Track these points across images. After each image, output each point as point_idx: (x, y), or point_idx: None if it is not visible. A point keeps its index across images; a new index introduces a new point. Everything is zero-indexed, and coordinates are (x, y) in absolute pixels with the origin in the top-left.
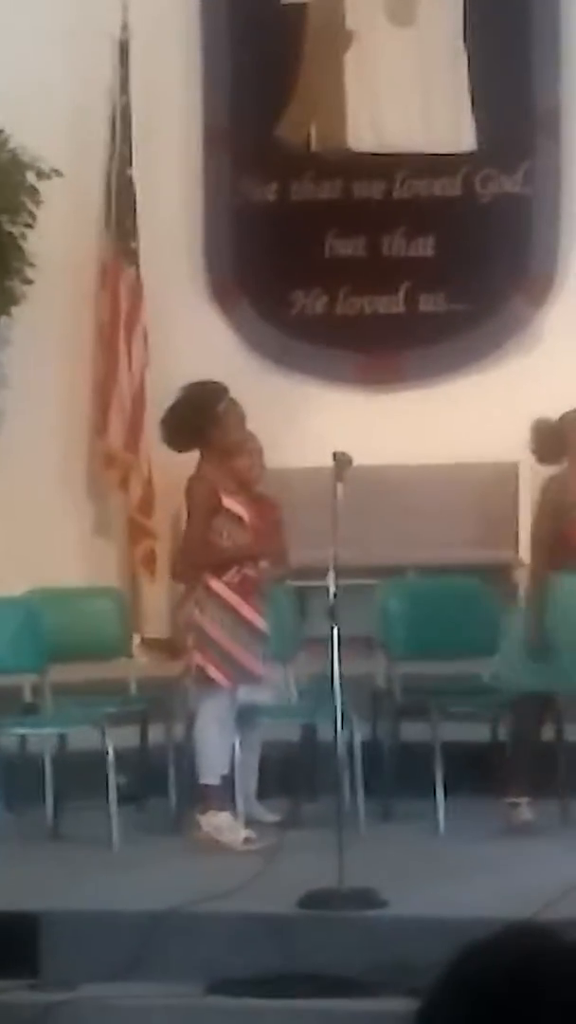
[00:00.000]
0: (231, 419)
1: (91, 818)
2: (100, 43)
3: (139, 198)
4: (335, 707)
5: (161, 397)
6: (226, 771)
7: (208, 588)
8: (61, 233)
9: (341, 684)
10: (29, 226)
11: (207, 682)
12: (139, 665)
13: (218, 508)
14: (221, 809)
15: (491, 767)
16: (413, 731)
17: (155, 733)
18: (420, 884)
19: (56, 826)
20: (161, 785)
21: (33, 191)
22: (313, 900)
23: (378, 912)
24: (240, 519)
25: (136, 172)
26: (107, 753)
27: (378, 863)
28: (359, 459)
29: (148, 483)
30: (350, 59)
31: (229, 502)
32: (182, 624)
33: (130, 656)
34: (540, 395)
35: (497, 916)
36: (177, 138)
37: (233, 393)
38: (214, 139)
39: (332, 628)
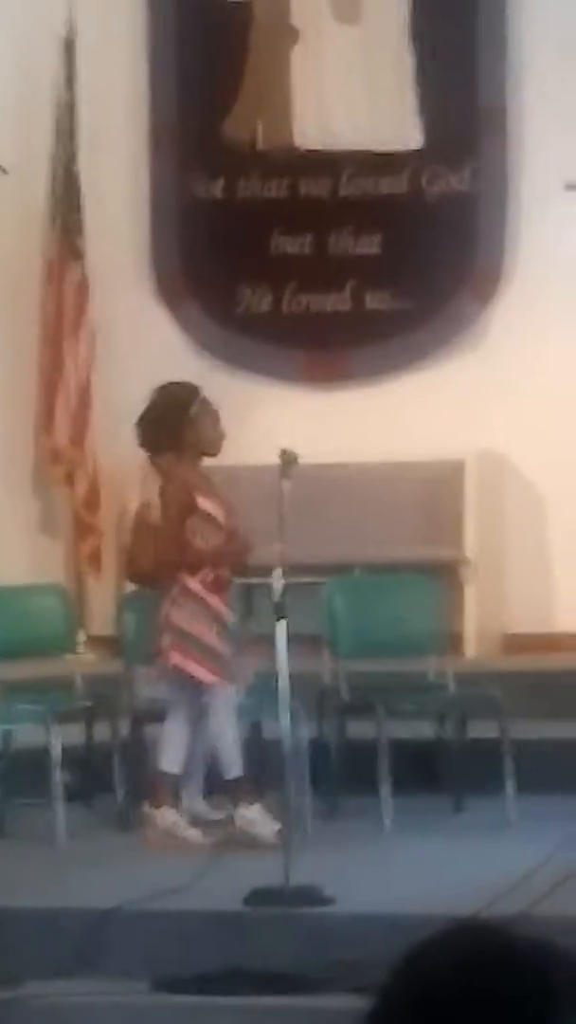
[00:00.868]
0: (205, 419)
1: (36, 815)
2: (45, 40)
3: (85, 195)
4: (282, 705)
5: (106, 394)
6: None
7: (184, 587)
8: (5, 230)
9: (288, 682)
10: None
11: (195, 682)
12: (84, 662)
13: (193, 508)
14: (252, 802)
15: (436, 764)
16: (359, 729)
17: (100, 730)
18: (366, 881)
19: (1, 823)
20: (107, 782)
21: None
22: (259, 897)
23: (324, 909)
24: (214, 519)
25: (82, 169)
26: (52, 750)
27: (324, 860)
28: (305, 457)
29: (94, 480)
30: (296, 57)
31: (204, 503)
32: (159, 625)
33: (75, 653)
34: (486, 393)
35: (443, 913)
36: (123, 135)
37: None
38: (160, 136)
39: (278, 626)
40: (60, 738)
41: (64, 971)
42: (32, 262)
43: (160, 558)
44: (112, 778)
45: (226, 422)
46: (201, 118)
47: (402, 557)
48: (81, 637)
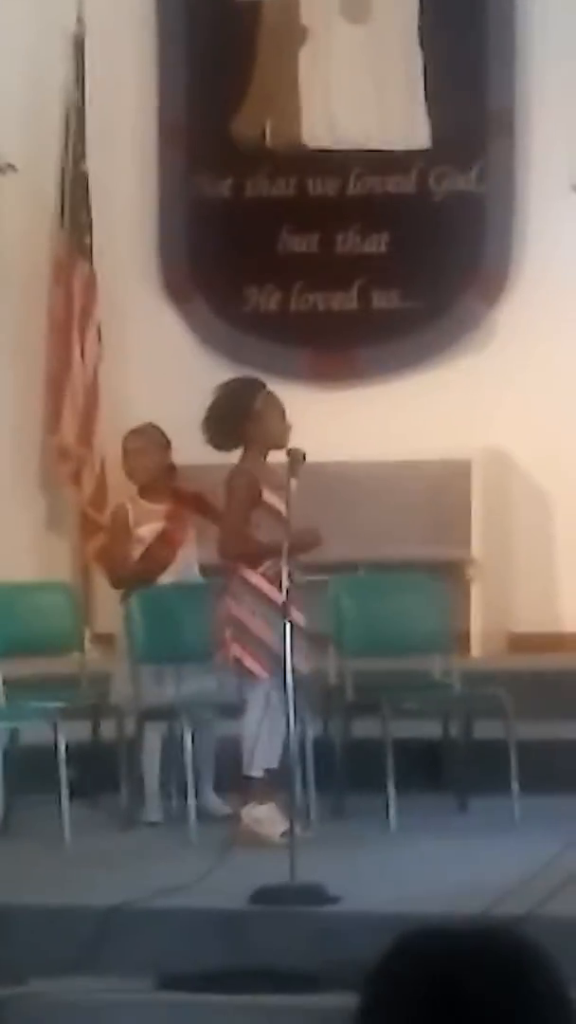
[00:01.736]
0: (271, 414)
1: (42, 813)
2: (55, 38)
3: (93, 193)
4: (288, 703)
5: (114, 392)
6: (274, 765)
7: (244, 580)
8: (15, 228)
9: (293, 680)
10: None
11: (247, 675)
12: (90, 660)
13: (258, 501)
14: (263, 802)
15: (442, 764)
16: (364, 728)
17: (106, 728)
18: (371, 880)
19: (7, 821)
20: (112, 780)
21: None
22: (264, 896)
23: (329, 908)
24: (278, 513)
25: (91, 167)
26: (58, 748)
27: (329, 859)
28: (312, 456)
29: (101, 478)
30: (305, 56)
31: (269, 496)
32: (219, 617)
33: (81, 651)
34: (493, 392)
35: (447, 912)
36: (132, 134)
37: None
38: (169, 135)
39: (284, 624)
40: (66, 736)
41: (69, 968)
42: (40, 260)
43: (224, 549)
44: (118, 776)
45: None
46: (210, 117)
47: (408, 556)
48: (87, 635)
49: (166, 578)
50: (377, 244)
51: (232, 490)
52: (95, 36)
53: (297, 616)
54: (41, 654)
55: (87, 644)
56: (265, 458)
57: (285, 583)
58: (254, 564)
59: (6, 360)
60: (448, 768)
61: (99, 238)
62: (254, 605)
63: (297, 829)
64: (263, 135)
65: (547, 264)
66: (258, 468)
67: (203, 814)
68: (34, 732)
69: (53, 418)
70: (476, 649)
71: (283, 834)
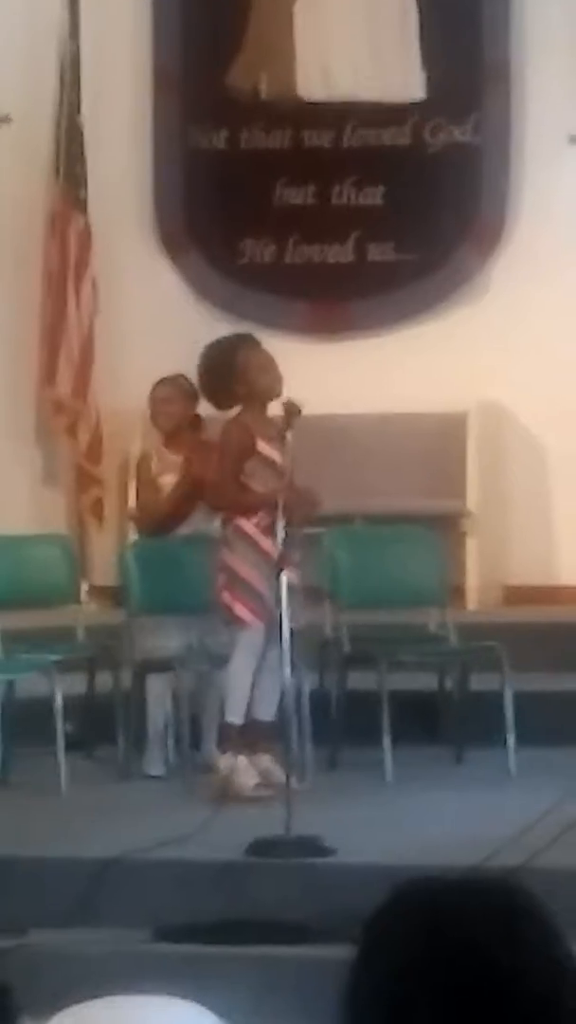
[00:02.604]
0: (252, 370)
1: (39, 765)
2: None
3: (88, 146)
4: (283, 656)
5: (109, 345)
6: (271, 717)
7: (238, 528)
8: (9, 180)
9: (289, 633)
10: None
11: (236, 622)
12: (87, 612)
13: (251, 451)
14: (239, 752)
15: (438, 716)
16: (360, 680)
17: (102, 680)
18: (367, 832)
19: (4, 773)
20: (109, 732)
21: None
22: (261, 848)
23: (325, 860)
24: (275, 464)
25: (86, 119)
26: (55, 700)
27: (326, 811)
28: (308, 408)
29: (96, 431)
30: (300, 7)
31: (264, 447)
32: (215, 566)
33: (78, 603)
34: (489, 345)
35: (444, 864)
36: (127, 85)
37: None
38: (164, 86)
39: (280, 577)
40: (62, 688)
41: (67, 920)
42: (35, 213)
43: (217, 498)
44: (114, 728)
45: None
46: (205, 69)
47: (404, 509)
48: (83, 587)
49: (184, 529)
50: (373, 196)
51: (224, 441)
52: None
53: (290, 572)
54: (37, 607)
55: (83, 596)
56: (263, 410)
57: (280, 534)
58: (247, 513)
59: (1, 313)
60: (444, 720)
61: (94, 190)
62: (246, 553)
63: (292, 781)
64: (258, 87)
65: (543, 216)
66: (254, 420)
67: (204, 767)
68: (31, 684)
69: (48, 371)
70: (472, 602)
71: (256, 786)
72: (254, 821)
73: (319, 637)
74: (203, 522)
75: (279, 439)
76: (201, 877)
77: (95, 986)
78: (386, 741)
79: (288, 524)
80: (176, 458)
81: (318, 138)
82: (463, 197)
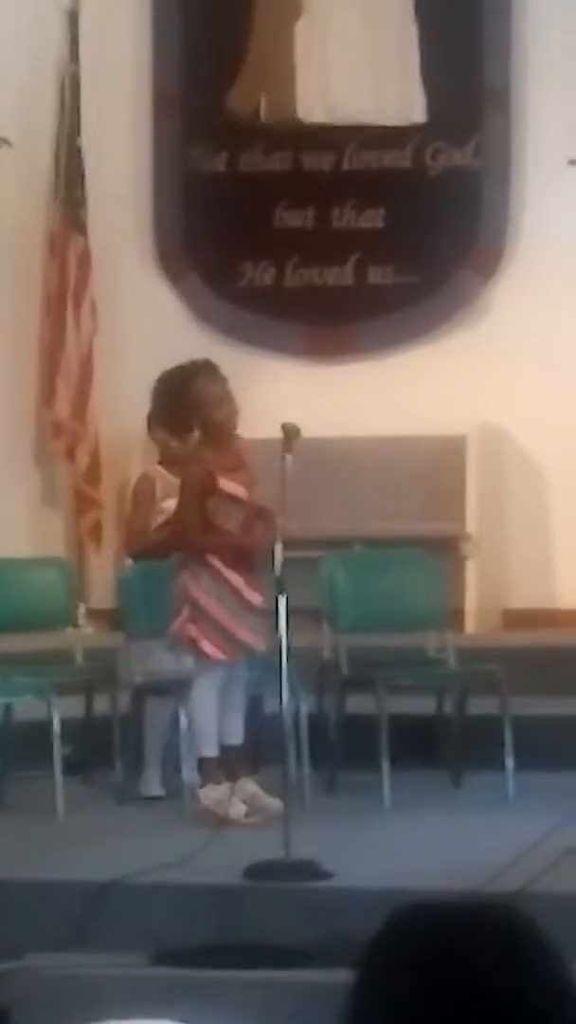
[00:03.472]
0: (208, 401)
1: (36, 788)
2: (49, 12)
3: (88, 167)
4: (282, 679)
5: (108, 367)
6: (237, 741)
7: (204, 561)
8: (9, 202)
9: (288, 656)
10: None
11: (201, 655)
12: (84, 635)
13: (213, 490)
14: (219, 782)
15: (436, 740)
16: (359, 703)
17: (100, 703)
18: (365, 856)
19: (1, 796)
20: (106, 756)
21: None
22: (258, 871)
23: (323, 883)
24: (236, 499)
25: (85, 141)
26: (52, 723)
27: (323, 835)
28: (307, 431)
29: (95, 453)
30: (300, 30)
31: (225, 484)
32: (176, 595)
33: (75, 626)
34: (488, 368)
35: (442, 888)
36: (126, 107)
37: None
38: (164, 109)
39: (278, 600)
40: (60, 711)
41: (63, 944)
42: (35, 235)
43: (179, 537)
44: (112, 751)
45: None
46: (205, 91)
47: (403, 532)
48: (81, 610)
49: None
50: (372, 219)
51: (184, 483)
52: (90, 10)
53: (253, 596)
54: (35, 630)
55: (81, 619)
56: (222, 440)
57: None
58: (212, 552)
59: (0, 335)
60: (442, 744)
61: (94, 212)
62: (211, 587)
63: (277, 803)
64: (258, 109)
65: (543, 239)
66: (213, 453)
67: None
68: (28, 708)
69: (47, 393)
70: (471, 625)
71: (247, 814)
72: (252, 844)
73: (318, 660)
74: None
75: (241, 469)
76: (199, 900)
77: (93, 1010)
78: (384, 765)
79: (256, 553)
80: (176, 480)
81: (318, 161)
82: (463, 220)
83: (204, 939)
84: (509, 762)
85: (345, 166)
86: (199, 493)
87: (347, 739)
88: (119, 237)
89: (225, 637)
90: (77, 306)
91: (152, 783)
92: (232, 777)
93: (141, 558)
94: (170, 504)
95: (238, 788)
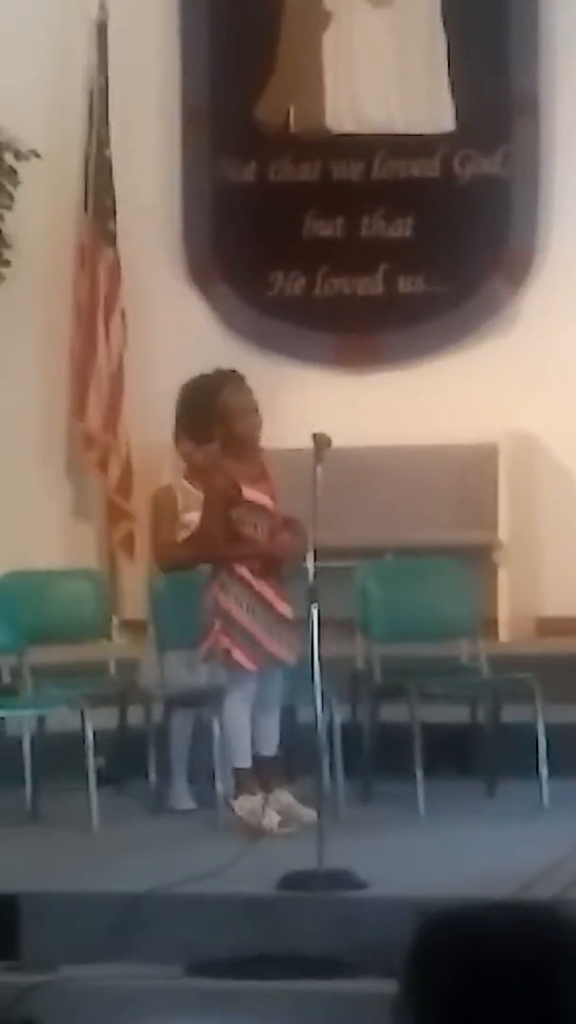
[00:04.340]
0: (232, 412)
1: (70, 800)
2: (77, 23)
3: (117, 179)
4: (315, 689)
5: (139, 378)
6: (271, 751)
7: (232, 572)
8: (39, 214)
9: (321, 666)
10: (7, 207)
11: (233, 666)
12: (118, 646)
13: (237, 499)
14: (253, 793)
15: (470, 748)
16: (393, 713)
17: (134, 715)
18: (399, 865)
19: (35, 808)
20: (140, 767)
21: (11, 172)
22: (292, 881)
23: (357, 893)
24: (263, 508)
25: (114, 153)
26: (86, 735)
27: (358, 844)
28: (338, 440)
29: (127, 464)
30: (328, 39)
31: (250, 492)
32: (207, 608)
33: (109, 638)
34: (519, 376)
35: (477, 897)
36: (155, 118)
37: None
38: (192, 119)
39: (311, 610)
40: (93, 723)
41: (98, 955)
42: (65, 246)
43: (205, 548)
44: (145, 762)
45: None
46: (233, 101)
47: (435, 541)
48: (114, 622)
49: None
50: (402, 228)
51: (208, 493)
52: (118, 21)
53: (283, 608)
54: (68, 641)
55: (114, 631)
56: (245, 450)
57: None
58: (237, 562)
59: (32, 347)
60: (476, 753)
61: (123, 224)
62: (242, 597)
63: (311, 813)
64: (287, 119)
65: (572, 247)
66: (236, 463)
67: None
68: (62, 719)
69: (79, 405)
70: (504, 633)
71: (281, 825)
72: (286, 855)
73: (351, 670)
74: None
75: (264, 479)
76: (233, 911)
77: (127, 1021)
78: (418, 774)
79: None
80: (200, 494)
81: (347, 170)
82: (492, 229)
83: (238, 950)
84: (543, 770)
85: (374, 175)
86: (223, 503)
87: (381, 748)
88: (149, 248)
89: (256, 648)
90: (108, 318)
91: (181, 796)
92: (266, 787)
93: (171, 571)
94: (192, 517)
95: (272, 798)
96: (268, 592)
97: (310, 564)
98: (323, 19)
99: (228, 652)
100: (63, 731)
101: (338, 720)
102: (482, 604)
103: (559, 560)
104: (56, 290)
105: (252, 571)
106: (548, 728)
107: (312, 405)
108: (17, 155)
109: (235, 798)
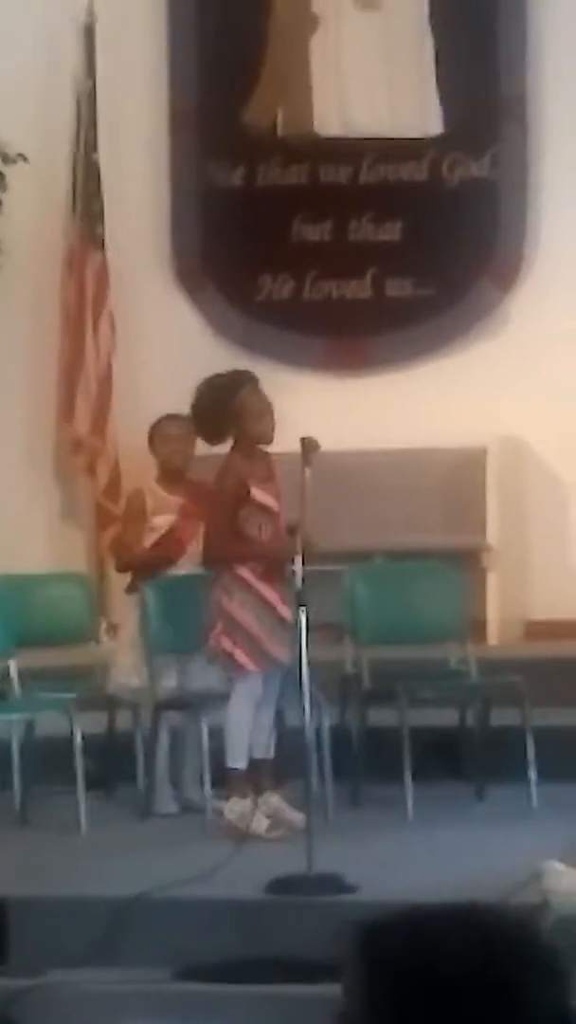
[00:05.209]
0: (249, 413)
1: (59, 804)
2: (65, 27)
3: (105, 183)
4: (303, 693)
5: (127, 382)
6: (266, 755)
7: (235, 574)
8: (27, 218)
9: (309, 670)
10: None
11: (236, 669)
12: (106, 651)
13: (245, 500)
14: (244, 795)
15: (459, 752)
16: (381, 716)
17: (122, 719)
18: (388, 869)
19: (24, 812)
20: (129, 771)
21: None
22: (281, 885)
23: (346, 897)
24: (269, 510)
25: (102, 157)
26: (74, 739)
27: (346, 848)
28: (326, 444)
29: (115, 468)
30: (316, 43)
31: (258, 493)
32: (211, 610)
33: (97, 641)
34: (508, 379)
35: (465, 901)
36: (143, 122)
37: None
38: (180, 123)
39: (300, 614)
40: (82, 727)
41: (87, 959)
42: (53, 250)
43: (213, 550)
44: (134, 766)
45: None
46: (221, 105)
47: (424, 544)
48: (102, 626)
49: (176, 571)
50: (390, 232)
51: (218, 492)
52: (105, 25)
53: (285, 611)
54: (57, 645)
55: (102, 635)
56: (253, 450)
57: (288, 576)
58: (242, 563)
59: (19, 351)
60: (465, 756)
61: (111, 228)
62: (245, 600)
63: (300, 817)
64: (275, 123)
65: (561, 250)
66: (245, 463)
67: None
68: (50, 723)
69: (67, 409)
70: (493, 637)
71: (269, 828)
72: (274, 859)
73: (339, 673)
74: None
75: (272, 480)
76: (222, 915)
77: None
78: (407, 777)
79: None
80: (171, 498)
81: (335, 174)
82: (481, 232)
83: (227, 954)
84: (532, 774)
85: (362, 179)
86: (233, 502)
87: (369, 752)
88: (137, 252)
89: (258, 650)
90: (96, 322)
91: (164, 800)
92: (257, 791)
93: (127, 571)
94: (161, 521)
95: (262, 802)
96: (270, 594)
97: (298, 568)
98: (311, 23)
99: (231, 654)
100: (51, 735)
101: (327, 724)
102: (471, 608)
103: (548, 564)
104: (44, 294)
105: (255, 574)
106: (537, 731)
107: (300, 409)
108: (5, 159)
109: (227, 799)
